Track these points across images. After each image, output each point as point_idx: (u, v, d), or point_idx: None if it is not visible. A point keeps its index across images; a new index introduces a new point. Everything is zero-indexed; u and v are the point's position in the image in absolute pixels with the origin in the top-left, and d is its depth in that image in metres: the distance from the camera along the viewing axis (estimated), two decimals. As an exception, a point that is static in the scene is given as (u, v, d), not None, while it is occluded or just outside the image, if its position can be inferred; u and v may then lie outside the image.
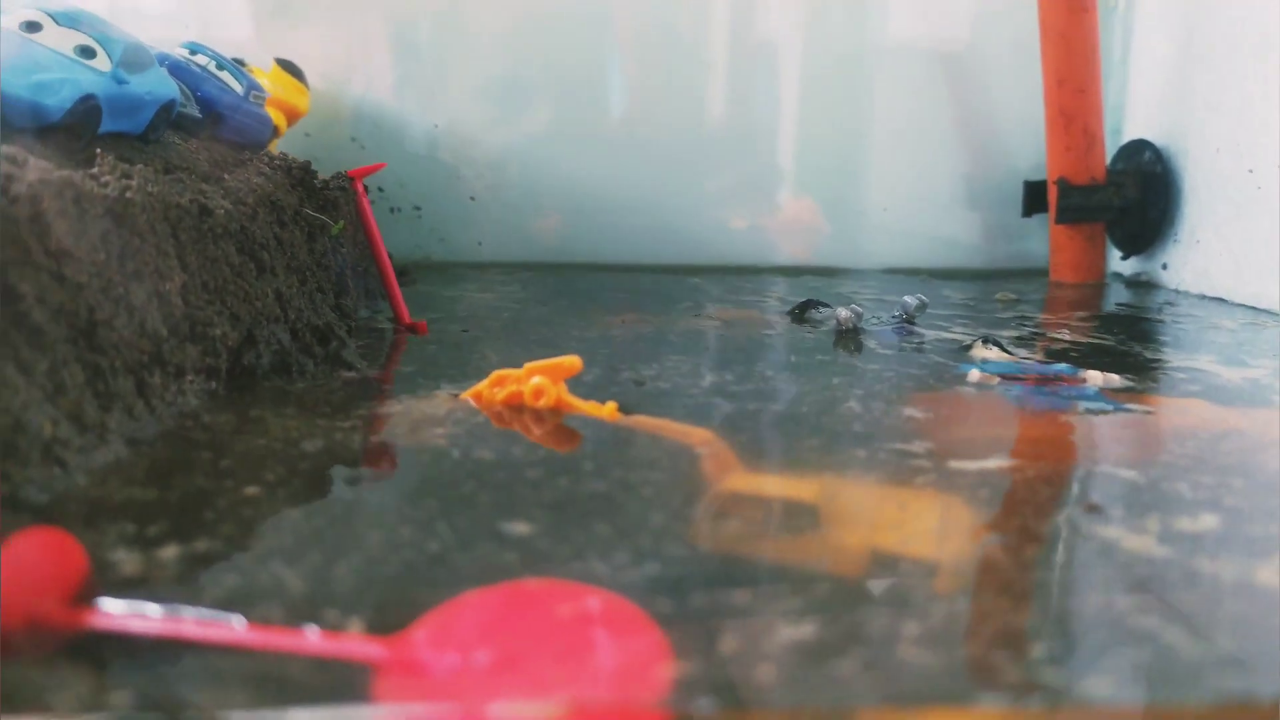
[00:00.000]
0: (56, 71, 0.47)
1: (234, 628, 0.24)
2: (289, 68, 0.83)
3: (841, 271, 1.00)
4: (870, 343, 0.60)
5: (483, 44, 0.99)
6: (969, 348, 0.58)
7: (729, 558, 0.29)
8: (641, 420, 0.43)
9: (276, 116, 0.75)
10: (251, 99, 0.68)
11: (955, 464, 0.36)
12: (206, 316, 0.46)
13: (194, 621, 0.24)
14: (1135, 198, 0.89)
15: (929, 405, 0.45)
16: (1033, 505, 0.33)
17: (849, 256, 1.03)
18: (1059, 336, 0.65)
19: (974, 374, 0.51)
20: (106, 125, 0.50)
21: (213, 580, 0.26)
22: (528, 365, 0.46)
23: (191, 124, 0.61)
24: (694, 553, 0.28)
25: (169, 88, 0.55)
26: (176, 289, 0.45)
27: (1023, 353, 0.58)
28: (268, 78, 0.80)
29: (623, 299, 0.80)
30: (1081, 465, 0.38)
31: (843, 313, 0.64)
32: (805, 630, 0.24)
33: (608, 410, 0.44)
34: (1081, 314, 0.76)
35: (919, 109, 1.01)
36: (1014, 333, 0.66)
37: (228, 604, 0.25)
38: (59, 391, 0.36)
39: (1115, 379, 0.50)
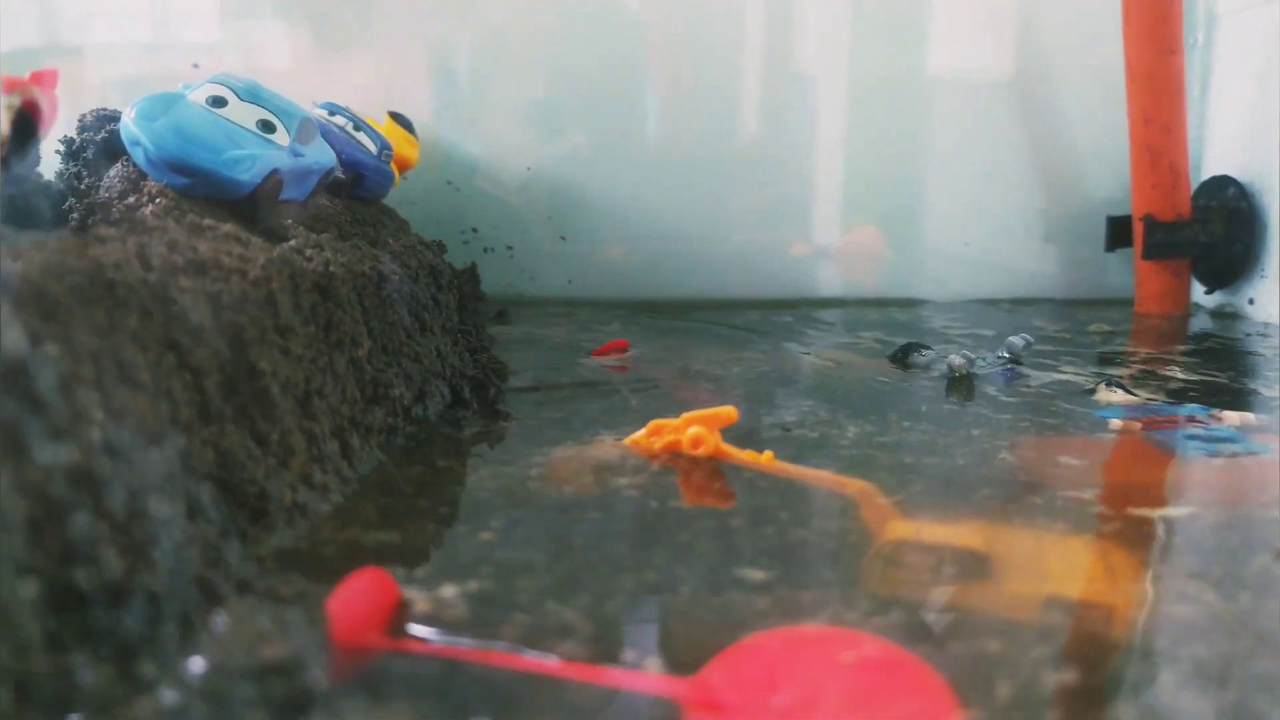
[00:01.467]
0: (247, 147, 0.50)
1: (548, 660, 0.26)
2: (401, 120, 0.87)
3: (920, 303, 1.02)
4: (989, 388, 0.62)
5: (525, 72, 1.01)
6: (1092, 391, 0.60)
7: (960, 607, 0.31)
8: (798, 470, 0.45)
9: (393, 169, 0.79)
10: (382, 158, 0.72)
11: (1136, 512, 0.38)
12: (388, 379, 0.49)
13: (510, 653, 0.26)
14: (1221, 233, 0.91)
15: (1081, 452, 0.47)
16: (1226, 553, 0.35)
17: (924, 287, 1.05)
18: (1171, 374, 0.66)
19: (1115, 422, 0.53)
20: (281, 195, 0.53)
21: (501, 617, 0.29)
22: (685, 415, 0.48)
23: (336, 185, 0.64)
24: (928, 599, 0.31)
25: (330, 156, 0.58)
26: (365, 354, 0.48)
27: (1144, 393, 0.60)
28: (381, 131, 0.83)
29: (725, 337, 0.82)
30: (1255, 510, 0.39)
31: (955, 359, 0.66)
32: (1069, 676, 0.26)
33: (765, 459, 0.46)
34: (1182, 348, 0.77)
35: (992, 140, 1.03)
36: (1123, 370, 0.67)
37: (526, 641, 0.27)
38: (289, 458, 0.39)
39: (1251, 419, 0.52)
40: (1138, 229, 0.92)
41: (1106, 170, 1.01)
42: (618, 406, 0.57)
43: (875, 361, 0.72)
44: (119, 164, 0.53)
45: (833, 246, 1.06)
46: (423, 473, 0.44)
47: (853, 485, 0.44)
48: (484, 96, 1.02)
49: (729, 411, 0.48)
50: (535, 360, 0.70)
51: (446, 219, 1.00)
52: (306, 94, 0.83)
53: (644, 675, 0.26)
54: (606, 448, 0.48)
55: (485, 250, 1.02)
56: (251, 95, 0.53)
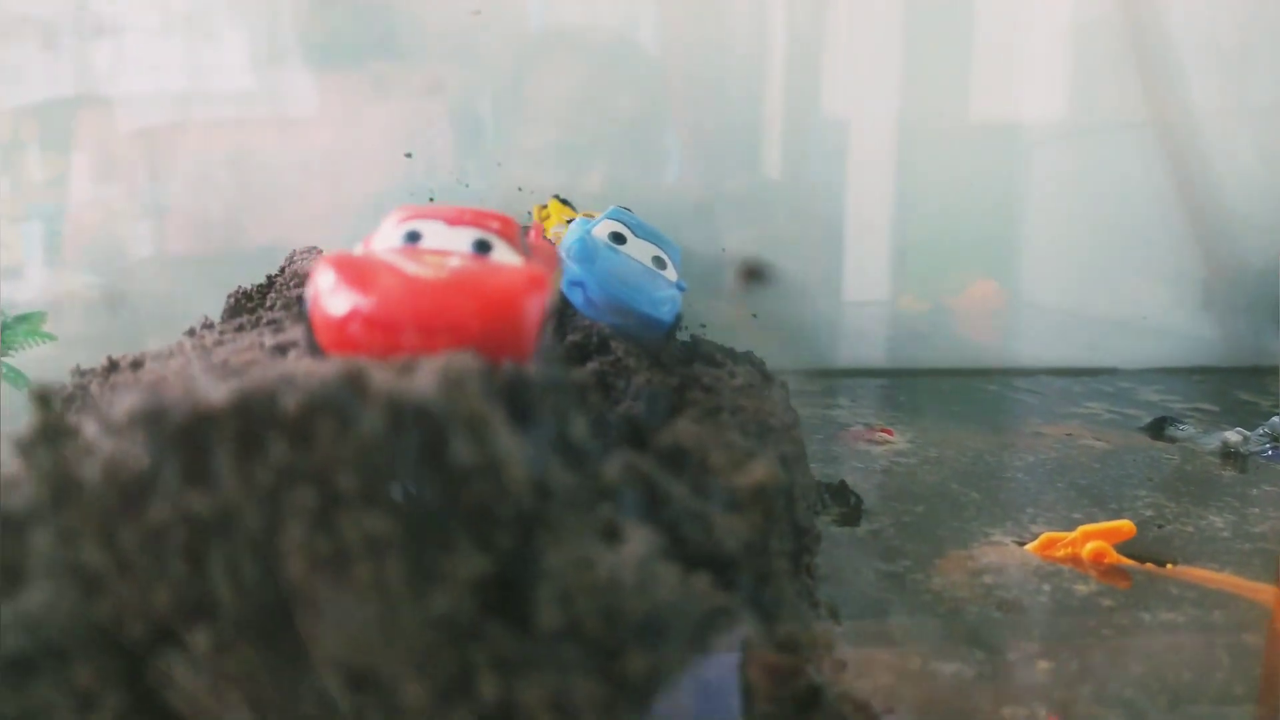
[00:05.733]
0: (664, 289, 0.52)
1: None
2: (566, 204, 0.89)
3: (1092, 371, 1.06)
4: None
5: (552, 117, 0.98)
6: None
7: None
8: (1216, 577, 0.49)
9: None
10: None
11: None
12: (804, 505, 0.52)
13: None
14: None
15: None
16: None
17: (1071, 353, 1.08)
18: None
19: None
20: None
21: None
22: (1081, 529, 0.52)
23: None
24: None
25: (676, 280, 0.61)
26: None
27: None
28: (548, 215, 0.84)
29: (955, 412, 0.85)
30: None
31: (1232, 436, 0.71)
32: None
33: (1169, 570, 0.50)
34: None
35: (1144, 200, 1.06)
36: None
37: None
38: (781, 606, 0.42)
39: None
40: (1317, 298, 0.98)
41: (1263, 239, 1.06)
42: (957, 497, 0.61)
43: (1125, 435, 0.76)
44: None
45: (950, 302, 1.09)
46: (872, 589, 0.47)
47: (1265, 592, 0.47)
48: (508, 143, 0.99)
49: (1128, 526, 0.52)
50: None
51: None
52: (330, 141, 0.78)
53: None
54: (1015, 551, 0.52)
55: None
56: (643, 231, 0.56)
